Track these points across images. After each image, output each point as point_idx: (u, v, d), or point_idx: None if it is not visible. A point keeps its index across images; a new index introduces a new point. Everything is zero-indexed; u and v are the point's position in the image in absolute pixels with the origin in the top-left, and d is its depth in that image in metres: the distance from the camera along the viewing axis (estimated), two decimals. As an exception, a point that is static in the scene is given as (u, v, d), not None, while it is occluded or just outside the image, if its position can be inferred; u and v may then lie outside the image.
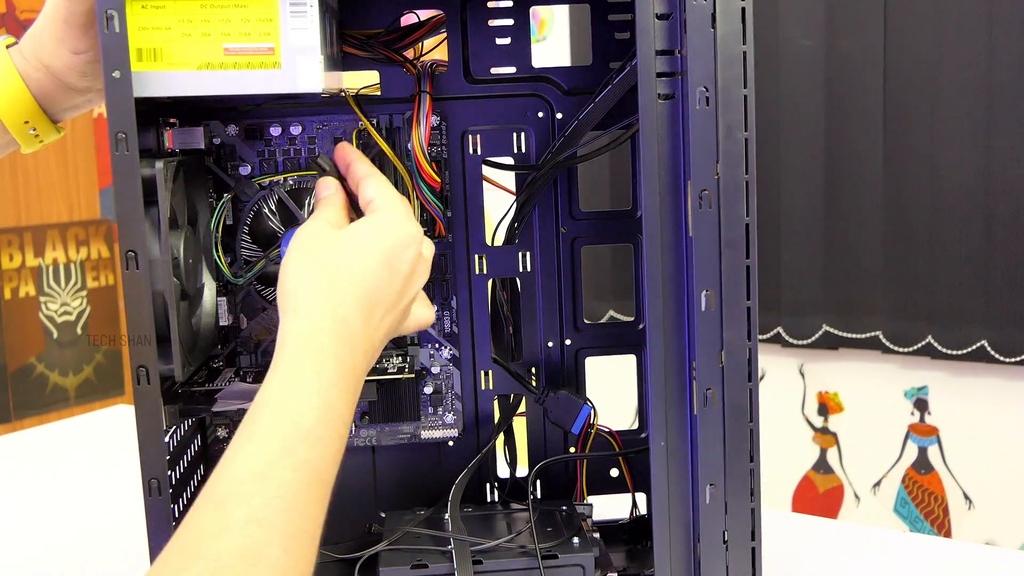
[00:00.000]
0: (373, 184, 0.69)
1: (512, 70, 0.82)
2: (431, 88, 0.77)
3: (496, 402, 0.85)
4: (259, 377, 0.75)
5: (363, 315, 0.62)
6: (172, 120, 0.76)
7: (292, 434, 0.55)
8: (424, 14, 0.80)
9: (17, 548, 1.02)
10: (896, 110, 1.91)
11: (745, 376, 0.66)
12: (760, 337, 0.60)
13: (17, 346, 2.64)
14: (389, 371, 0.78)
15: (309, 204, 0.81)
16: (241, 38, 0.65)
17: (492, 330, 0.84)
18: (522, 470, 0.86)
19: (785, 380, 2.14)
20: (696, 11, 0.64)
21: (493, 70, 0.82)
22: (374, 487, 0.85)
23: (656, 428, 0.68)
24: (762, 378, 2.11)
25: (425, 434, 0.83)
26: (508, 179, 0.84)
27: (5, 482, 1.23)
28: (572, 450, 0.86)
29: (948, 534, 2.00)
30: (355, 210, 0.70)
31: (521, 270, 0.83)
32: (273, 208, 0.81)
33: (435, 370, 0.83)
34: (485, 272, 0.83)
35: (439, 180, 0.78)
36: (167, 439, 0.70)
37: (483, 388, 0.84)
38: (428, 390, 0.83)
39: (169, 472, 0.69)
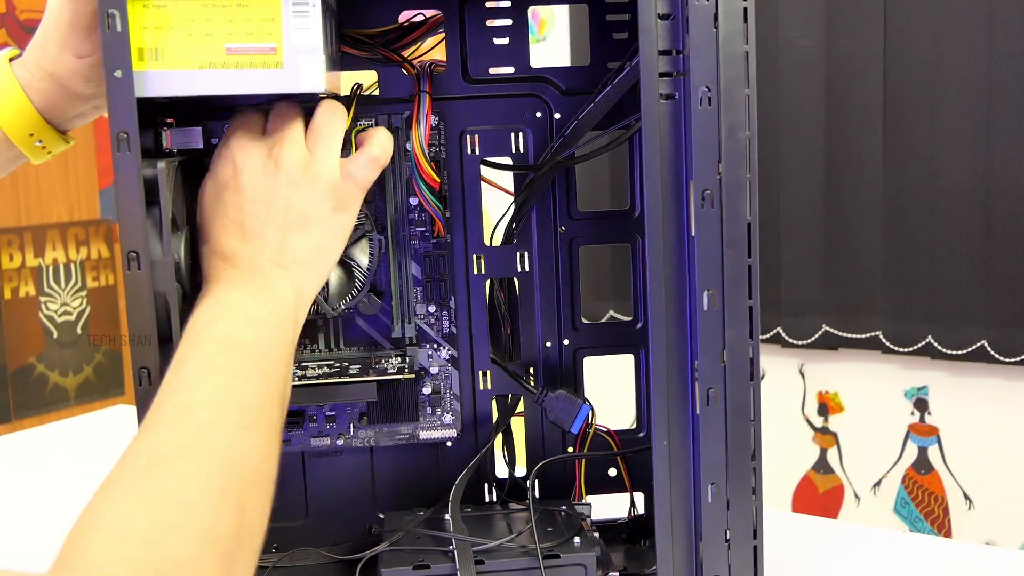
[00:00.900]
0: None
1: (510, 70, 0.82)
2: (431, 88, 0.77)
3: (495, 402, 0.85)
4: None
5: (237, 237, 0.68)
6: (169, 120, 0.76)
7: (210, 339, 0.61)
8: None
9: (17, 548, 1.02)
10: (896, 110, 1.91)
11: (747, 375, 0.66)
12: (760, 337, 0.60)
13: (17, 346, 2.64)
14: (388, 372, 0.78)
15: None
16: (243, 38, 0.65)
17: (490, 330, 0.83)
18: (520, 470, 0.86)
19: (785, 380, 2.14)
20: (698, 11, 0.64)
21: (491, 70, 0.82)
22: (372, 488, 0.85)
23: (658, 427, 0.68)
24: (762, 378, 2.11)
25: (423, 434, 0.83)
26: (506, 179, 0.83)
27: (5, 482, 1.23)
28: (571, 450, 0.86)
29: (948, 534, 2.00)
30: None
31: (519, 270, 0.83)
32: (273, 208, 0.81)
33: (433, 370, 0.83)
34: (483, 272, 0.83)
35: (439, 180, 0.78)
36: (167, 439, 0.70)
37: (481, 388, 0.84)
38: (426, 390, 0.83)
39: (169, 472, 0.69)
